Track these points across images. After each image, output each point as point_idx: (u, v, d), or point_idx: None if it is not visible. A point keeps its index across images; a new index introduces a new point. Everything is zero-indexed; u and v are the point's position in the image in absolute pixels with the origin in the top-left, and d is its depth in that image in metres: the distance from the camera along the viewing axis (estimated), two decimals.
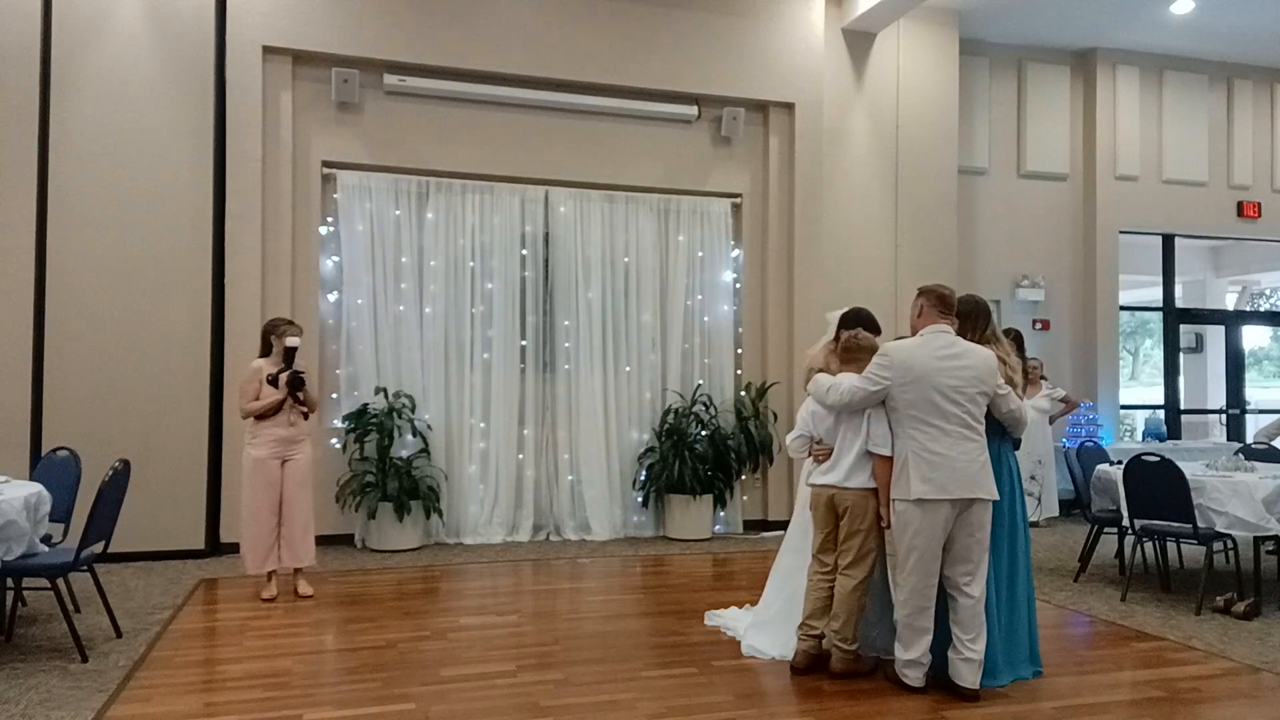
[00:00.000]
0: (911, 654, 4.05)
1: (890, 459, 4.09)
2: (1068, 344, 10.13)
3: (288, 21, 7.21)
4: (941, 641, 4.07)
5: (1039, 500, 8.61)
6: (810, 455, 4.42)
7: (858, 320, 4.69)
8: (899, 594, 4.08)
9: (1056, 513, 8.84)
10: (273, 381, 5.59)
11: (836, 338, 4.69)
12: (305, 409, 5.70)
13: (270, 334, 5.74)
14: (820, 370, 4.47)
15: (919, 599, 4.01)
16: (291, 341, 5.62)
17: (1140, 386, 20.48)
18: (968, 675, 3.98)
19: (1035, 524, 8.54)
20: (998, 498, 4.04)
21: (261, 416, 5.60)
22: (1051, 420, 8.82)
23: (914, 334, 4.25)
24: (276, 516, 5.64)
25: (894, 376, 4.04)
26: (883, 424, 4.14)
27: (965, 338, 4.29)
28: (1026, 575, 4.30)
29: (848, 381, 4.19)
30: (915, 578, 4.00)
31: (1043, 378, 8.80)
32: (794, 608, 4.52)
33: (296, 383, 5.59)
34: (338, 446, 7.42)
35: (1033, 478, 8.48)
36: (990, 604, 4.11)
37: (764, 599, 4.83)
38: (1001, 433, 4.25)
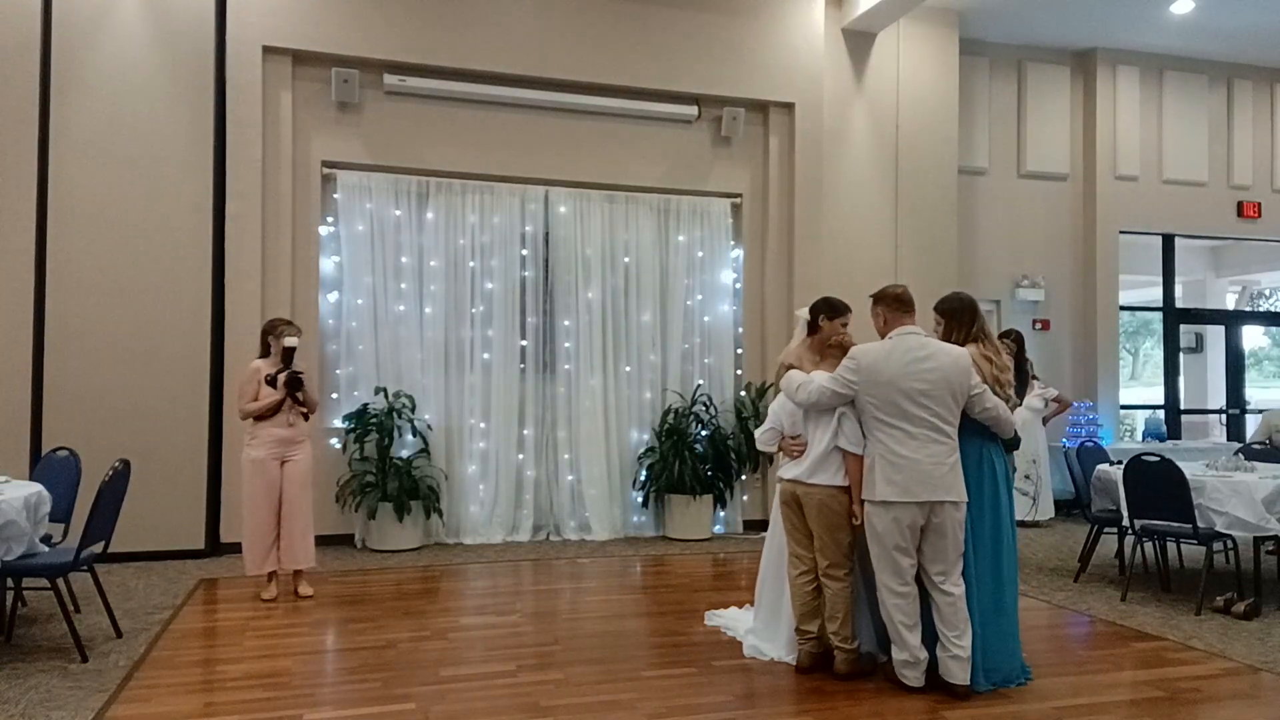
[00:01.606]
0: (904, 654, 4.05)
1: (862, 457, 4.12)
2: (1068, 344, 10.13)
3: (288, 21, 7.21)
4: (931, 640, 4.07)
5: (1035, 500, 8.61)
6: (779, 449, 4.45)
7: (826, 305, 4.69)
8: (879, 593, 4.11)
9: (1052, 513, 8.85)
10: (271, 382, 5.59)
11: (814, 332, 4.68)
12: (305, 409, 5.70)
13: (269, 334, 5.74)
14: (793, 366, 4.48)
15: (895, 598, 4.03)
16: (290, 342, 5.62)
17: (1140, 386, 20.48)
18: (958, 672, 3.99)
19: (1035, 524, 8.55)
20: (966, 499, 4.03)
21: (261, 417, 5.59)
22: (1045, 421, 8.82)
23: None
24: (276, 517, 5.63)
25: (860, 380, 4.06)
26: (854, 423, 4.17)
27: (951, 336, 4.28)
28: (1013, 580, 4.24)
29: (817, 381, 4.21)
30: (888, 577, 4.04)
31: (1034, 377, 8.79)
32: (783, 607, 4.53)
33: (295, 383, 5.59)
34: (338, 446, 7.42)
35: (1027, 477, 8.49)
36: (973, 605, 4.08)
37: (756, 603, 4.84)
38: (986, 433, 4.22)
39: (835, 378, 4.14)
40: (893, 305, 4.21)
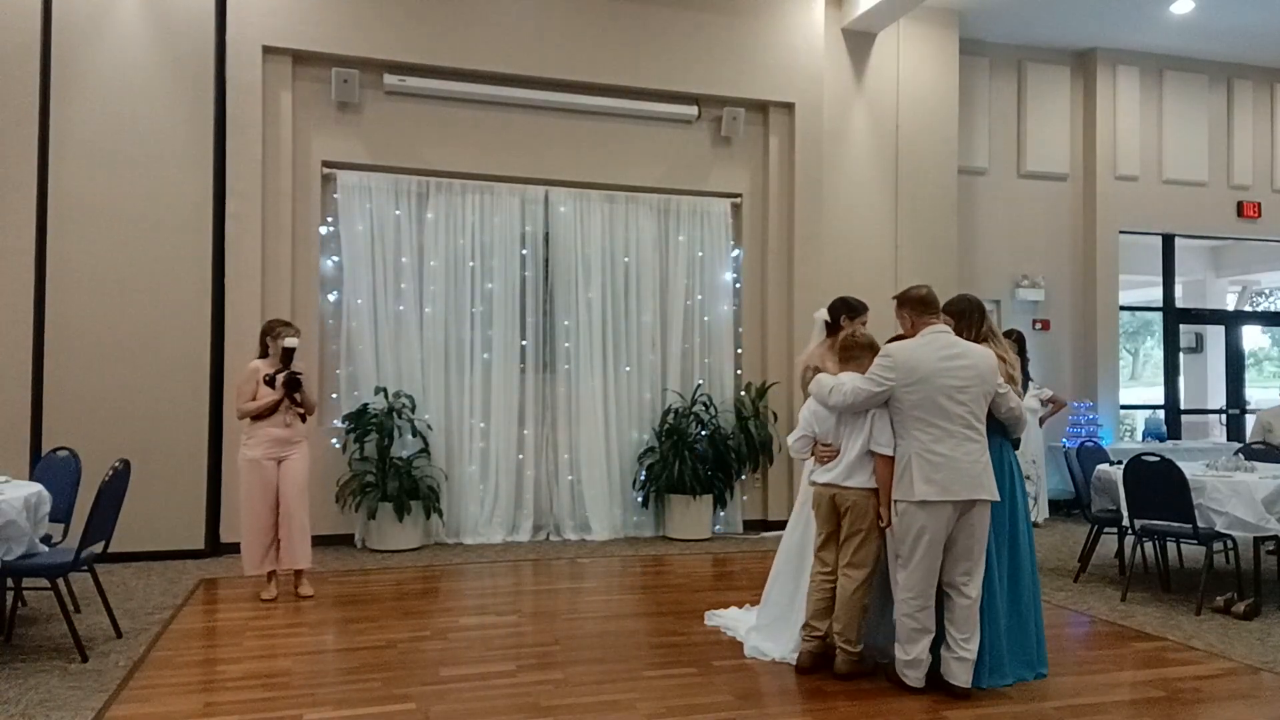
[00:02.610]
0: (912, 654, 4.04)
1: (892, 459, 4.08)
2: (1068, 344, 10.13)
3: (288, 21, 7.21)
4: (935, 639, 4.07)
5: (1034, 500, 8.62)
6: (813, 455, 4.41)
7: (845, 305, 4.68)
8: (899, 594, 4.07)
9: (1047, 513, 8.87)
10: (269, 382, 5.59)
11: (833, 333, 4.67)
12: (303, 410, 5.70)
13: (267, 335, 5.74)
14: (818, 370, 4.46)
15: (920, 600, 4.01)
16: (288, 343, 5.61)
17: (1140, 386, 20.47)
18: (960, 674, 3.99)
19: (1034, 524, 8.55)
20: (999, 499, 4.04)
21: (258, 417, 5.60)
22: (1042, 421, 8.83)
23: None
24: (274, 517, 5.64)
25: (898, 378, 4.02)
26: (885, 423, 4.11)
27: (960, 336, 4.28)
28: (1032, 575, 4.28)
29: (850, 382, 4.16)
30: (916, 578, 4.00)
31: (1029, 378, 8.79)
32: (795, 609, 4.52)
33: (293, 384, 5.59)
34: (338, 446, 7.42)
35: (1027, 477, 8.48)
36: (995, 602, 4.10)
37: (764, 601, 4.82)
38: (1001, 432, 4.25)
39: (870, 377, 4.09)
40: (917, 307, 4.20)
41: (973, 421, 3.98)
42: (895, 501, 4.05)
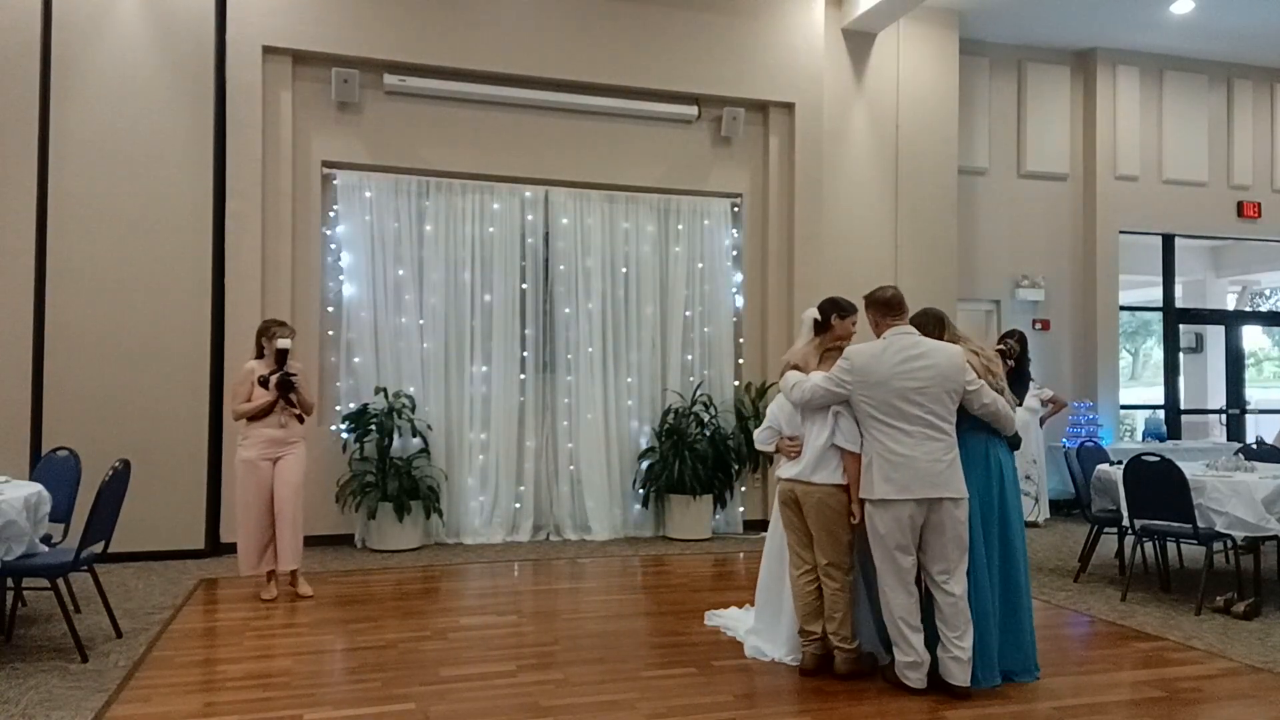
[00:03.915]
0: (908, 655, 4.05)
1: (859, 455, 4.12)
2: (1068, 344, 10.13)
3: (288, 21, 7.21)
4: (932, 641, 4.07)
5: (1035, 500, 8.62)
6: (776, 449, 4.47)
7: (835, 305, 4.69)
8: (880, 594, 4.10)
9: (1048, 513, 8.88)
10: (264, 383, 5.60)
11: (821, 332, 4.67)
12: (298, 411, 5.70)
13: (262, 336, 5.74)
14: (797, 367, 4.48)
15: (899, 596, 4.03)
16: (282, 344, 5.61)
17: (1140, 386, 20.46)
18: (958, 673, 4.00)
19: (1035, 524, 8.55)
20: (965, 495, 4.03)
21: (253, 418, 5.61)
22: (1042, 421, 8.82)
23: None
24: (270, 517, 5.64)
25: (854, 380, 4.08)
26: (850, 421, 4.17)
27: None
28: (1025, 576, 4.28)
29: (812, 380, 4.23)
30: (890, 577, 4.04)
31: (1030, 378, 8.78)
32: (784, 609, 4.53)
33: (286, 384, 5.59)
34: (338, 446, 7.41)
35: (1028, 477, 8.49)
36: (985, 603, 4.10)
37: (757, 604, 4.83)
38: (990, 430, 4.23)
39: (829, 377, 4.17)
40: (880, 308, 4.25)
41: (935, 421, 4.00)
42: (862, 501, 4.10)
